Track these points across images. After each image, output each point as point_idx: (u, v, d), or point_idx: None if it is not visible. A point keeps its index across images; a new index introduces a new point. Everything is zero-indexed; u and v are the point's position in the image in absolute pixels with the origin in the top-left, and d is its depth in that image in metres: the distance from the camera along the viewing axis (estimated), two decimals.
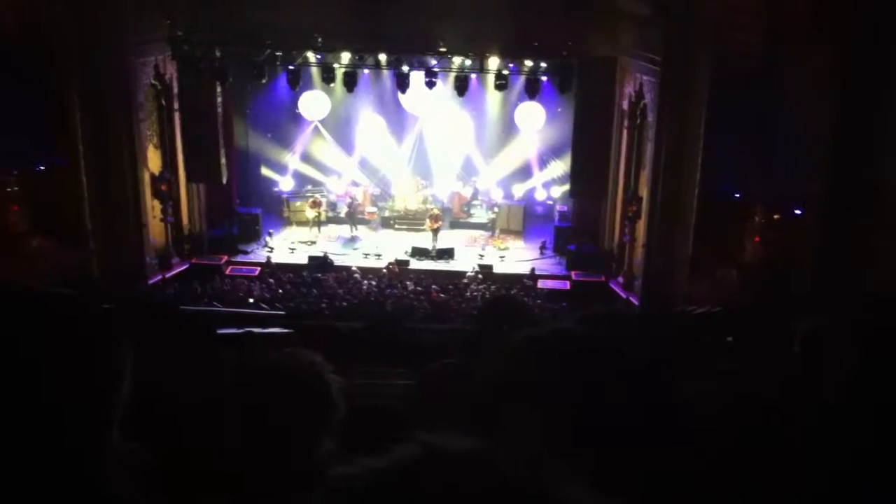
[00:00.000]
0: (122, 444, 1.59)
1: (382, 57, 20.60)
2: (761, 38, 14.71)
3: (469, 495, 0.96)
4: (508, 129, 24.69)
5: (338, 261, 21.49)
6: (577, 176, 21.31)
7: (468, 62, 20.43)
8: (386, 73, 22.22)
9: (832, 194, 14.07)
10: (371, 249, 22.60)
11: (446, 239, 23.14)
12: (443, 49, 19.90)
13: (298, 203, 24.34)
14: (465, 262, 21.96)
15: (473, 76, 21.40)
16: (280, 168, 25.29)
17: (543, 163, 25.09)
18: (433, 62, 20.28)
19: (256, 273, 20.67)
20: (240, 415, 2.46)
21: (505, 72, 20.32)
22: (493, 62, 20.23)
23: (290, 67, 20.65)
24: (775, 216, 16.20)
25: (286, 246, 22.81)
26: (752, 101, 15.35)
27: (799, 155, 15.10)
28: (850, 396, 2.12)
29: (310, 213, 23.71)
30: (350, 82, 20.81)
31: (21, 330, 1.46)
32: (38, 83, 16.68)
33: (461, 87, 20.67)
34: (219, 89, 20.54)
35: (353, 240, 23.58)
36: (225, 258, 21.59)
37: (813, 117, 14.25)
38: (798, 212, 15.68)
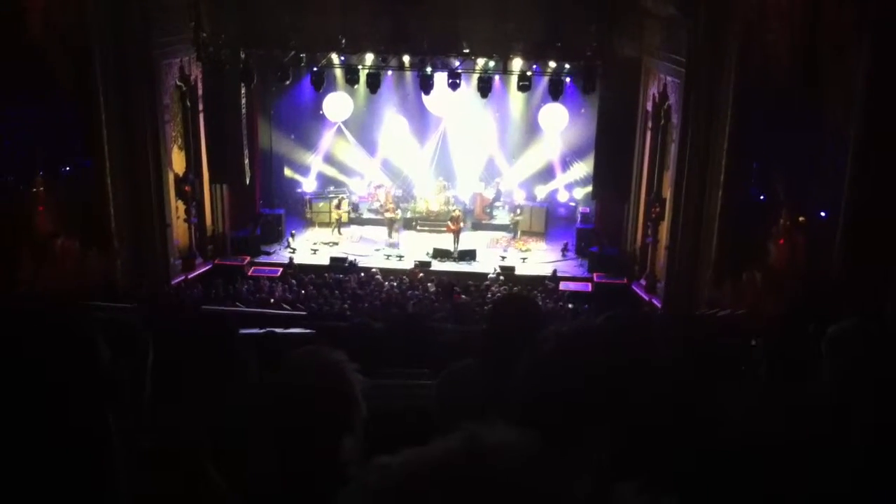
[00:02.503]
0: (139, 447, 1.58)
1: (406, 58, 20.59)
2: (791, 41, 14.53)
3: (513, 485, 0.93)
4: (531, 130, 24.62)
5: (359, 262, 21.51)
6: (599, 178, 21.25)
7: (491, 63, 20.38)
8: (409, 74, 22.26)
9: (859, 196, 13.87)
10: (393, 251, 22.61)
11: (468, 240, 23.10)
12: (466, 50, 19.87)
13: (321, 204, 24.38)
14: (487, 263, 21.92)
15: (497, 77, 21.35)
16: (303, 169, 25.37)
17: (566, 164, 24.99)
18: (456, 63, 20.26)
19: (279, 274, 20.73)
20: (262, 414, 2.44)
21: (528, 73, 20.25)
22: (517, 63, 20.17)
23: (315, 69, 20.68)
24: (801, 219, 16.00)
25: (308, 247, 22.87)
26: (780, 103, 15.19)
27: (826, 157, 14.93)
28: (876, 403, 2.06)
29: (335, 214, 23.74)
30: (373, 84, 20.82)
31: (25, 346, 1.46)
32: (64, 85, 16.80)
33: (484, 88, 20.62)
34: (243, 91, 20.65)
35: (393, 245, 23.37)
36: (247, 259, 21.68)
37: (841, 120, 14.07)
38: (824, 214, 15.50)
